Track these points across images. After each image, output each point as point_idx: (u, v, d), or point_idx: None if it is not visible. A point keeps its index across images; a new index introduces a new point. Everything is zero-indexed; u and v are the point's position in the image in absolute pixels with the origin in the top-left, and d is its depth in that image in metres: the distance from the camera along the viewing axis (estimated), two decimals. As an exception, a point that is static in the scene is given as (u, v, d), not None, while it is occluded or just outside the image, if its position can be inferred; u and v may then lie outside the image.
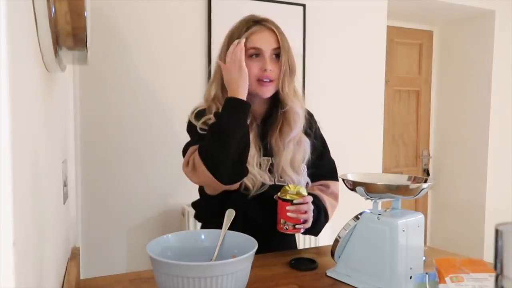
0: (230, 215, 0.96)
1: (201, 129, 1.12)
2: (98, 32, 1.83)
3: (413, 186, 0.92)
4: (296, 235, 1.29)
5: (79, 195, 1.82)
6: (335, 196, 1.25)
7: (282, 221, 1.06)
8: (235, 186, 1.09)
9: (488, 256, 2.88)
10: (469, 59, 3.15)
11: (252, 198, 1.12)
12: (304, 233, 1.14)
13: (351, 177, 0.98)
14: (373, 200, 0.94)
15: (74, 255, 1.09)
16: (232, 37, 1.14)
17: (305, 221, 1.07)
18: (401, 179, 1.00)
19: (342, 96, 2.51)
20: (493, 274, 0.40)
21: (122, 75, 1.94)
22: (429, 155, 3.41)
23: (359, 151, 2.56)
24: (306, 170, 1.20)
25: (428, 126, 3.40)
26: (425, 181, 0.93)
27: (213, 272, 0.70)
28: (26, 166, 0.49)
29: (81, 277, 1.02)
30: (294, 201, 1.05)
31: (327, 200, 1.20)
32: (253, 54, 1.12)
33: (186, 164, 1.09)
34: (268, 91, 1.14)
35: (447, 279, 0.74)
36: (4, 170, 0.37)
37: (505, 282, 0.39)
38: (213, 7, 2.08)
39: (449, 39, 3.29)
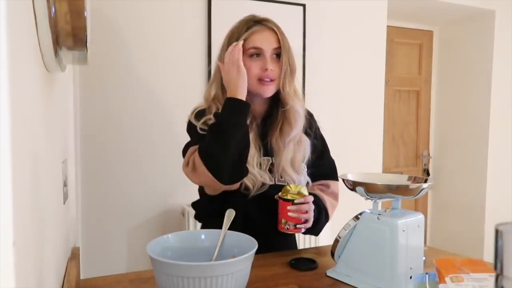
0: (230, 215, 0.96)
1: (201, 129, 1.12)
2: (98, 32, 1.83)
3: (413, 186, 0.92)
4: (296, 235, 1.29)
5: (79, 195, 1.82)
6: (335, 196, 1.25)
7: (283, 221, 1.07)
8: (235, 186, 1.09)
9: (488, 256, 2.88)
10: (469, 59, 3.15)
11: (252, 198, 1.12)
12: (305, 233, 1.14)
13: (351, 177, 0.98)
14: (373, 200, 0.94)
15: (74, 255, 1.09)
16: (232, 37, 1.14)
17: (306, 221, 1.07)
18: (401, 179, 1.00)
19: (342, 96, 2.51)
20: (493, 274, 0.40)
21: (122, 75, 1.94)
22: (429, 155, 3.41)
23: (359, 151, 2.55)
24: (306, 169, 1.21)
25: (428, 126, 3.40)
26: (425, 181, 0.93)
27: (213, 272, 0.70)
28: (26, 166, 0.49)
29: (81, 277, 1.02)
30: (295, 201, 1.05)
31: (328, 200, 1.21)
32: (254, 53, 1.12)
33: (186, 164, 1.09)
34: (269, 91, 1.14)
35: (447, 279, 0.74)
36: (4, 170, 0.37)
37: (505, 282, 0.39)
38: (213, 7, 2.08)
39: (449, 39, 3.29)
